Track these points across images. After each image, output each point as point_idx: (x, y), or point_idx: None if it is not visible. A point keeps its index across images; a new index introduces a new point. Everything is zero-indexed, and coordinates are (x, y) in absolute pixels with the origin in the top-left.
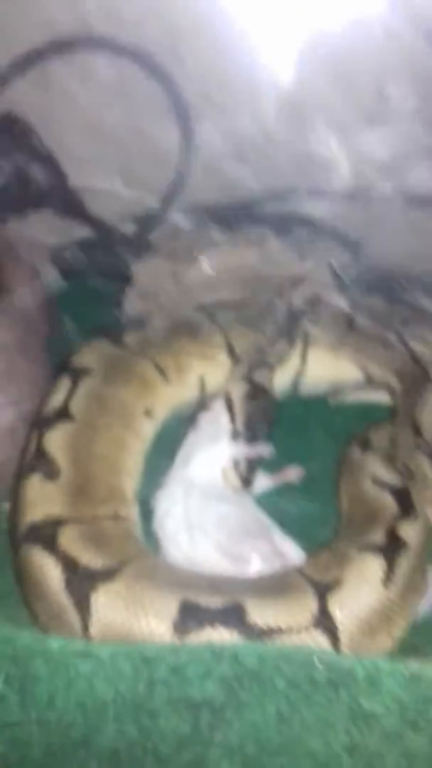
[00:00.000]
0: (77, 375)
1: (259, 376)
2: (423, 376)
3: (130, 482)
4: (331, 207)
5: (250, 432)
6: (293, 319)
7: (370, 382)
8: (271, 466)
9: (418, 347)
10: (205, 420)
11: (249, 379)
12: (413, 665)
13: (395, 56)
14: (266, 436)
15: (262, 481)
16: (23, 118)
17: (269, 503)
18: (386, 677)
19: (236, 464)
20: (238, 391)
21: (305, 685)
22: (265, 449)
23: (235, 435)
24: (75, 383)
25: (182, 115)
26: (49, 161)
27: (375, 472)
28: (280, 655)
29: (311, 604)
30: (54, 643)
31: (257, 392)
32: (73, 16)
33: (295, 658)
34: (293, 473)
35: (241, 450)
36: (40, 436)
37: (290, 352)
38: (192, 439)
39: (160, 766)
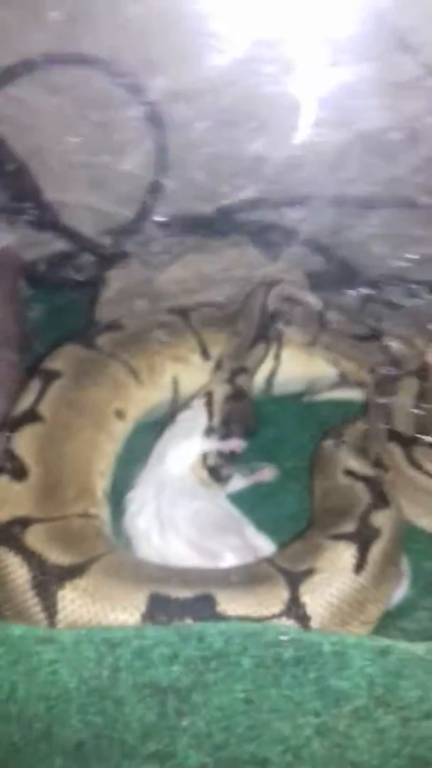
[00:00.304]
0: (48, 378)
1: (241, 381)
2: (396, 371)
3: (101, 482)
4: (303, 213)
5: (226, 429)
6: (268, 321)
7: (344, 379)
8: (246, 463)
9: (390, 342)
10: (183, 418)
11: (231, 383)
12: (382, 640)
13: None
14: (242, 436)
15: (237, 482)
16: None
17: (243, 501)
18: (354, 653)
19: (205, 457)
20: (220, 392)
21: (272, 664)
22: (236, 444)
23: (209, 431)
24: (45, 386)
25: (156, 126)
26: (23, 174)
27: (347, 464)
28: (246, 634)
29: (282, 593)
30: (16, 630)
31: (238, 396)
32: (43, 33)
33: (261, 638)
34: (268, 474)
35: (212, 444)
36: (9, 438)
37: (267, 355)
38: (167, 437)
39: (126, 757)
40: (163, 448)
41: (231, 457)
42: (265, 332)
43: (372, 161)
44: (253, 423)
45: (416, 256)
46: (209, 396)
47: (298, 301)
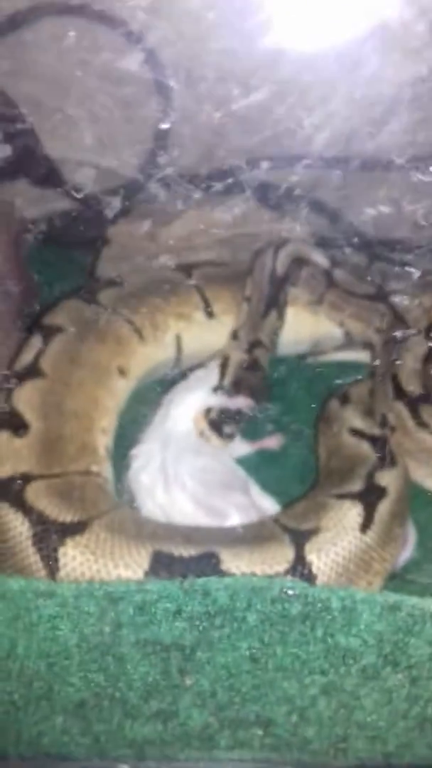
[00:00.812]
0: (49, 333)
1: (258, 354)
2: (403, 330)
3: (103, 439)
4: (310, 174)
5: (235, 389)
6: (279, 287)
7: (349, 339)
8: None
9: (398, 300)
10: (195, 376)
11: (249, 354)
12: (391, 596)
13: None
14: (251, 398)
15: (242, 447)
16: None
17: (246, 462)
18: (363, 608)
19: (208, 411)
20: (236, 358)
21: (279, 621)
22: (243, 402)
23: (217, 388)
24: (46, 341)
25: (161, 83)
26: (25, 129)
27: (353, 423)
28: (252, 589)
29: (287, 552)
30: (15, 583)
31: (254, 367)
32: None
33: (267, 593)
34: (274, 441)
35: (218, 399)
36: (10, 393)
37: (281, 323)
38: (174, 393)
39: (128, 716)
40: (169, 404)
41: (236, 416)
42: (277, 299)
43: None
44: (264, 396)
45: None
46: (225, 359)
47: (306, 260)
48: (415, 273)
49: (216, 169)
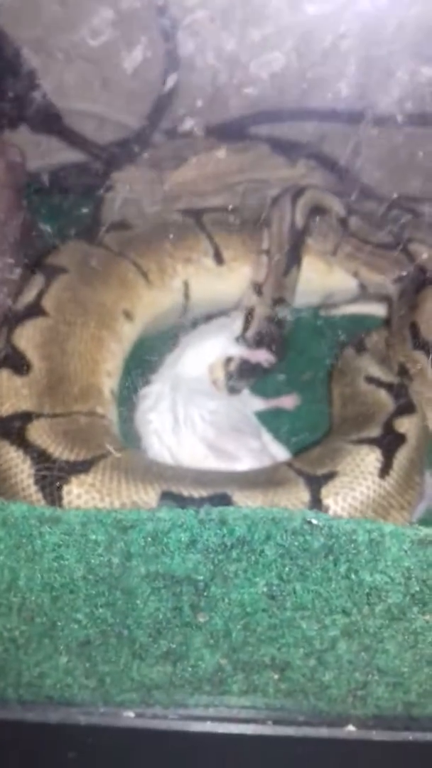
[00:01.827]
0: (52, 273)
1: (281, 312)
2: (421, 278)
3: (108, 382)
4: (319, 128)
5: (258, 341)
6: (300, 241)
7: (364, 292)
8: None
9: (415, 248)
10: (217, 322)
11: (273, 303)
12: (422, 529)
13: None
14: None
15: (257, 403)
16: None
17: (258, 413)
18: (391, 543)
19: (228, 360)
20: (261, 311)
21: (299, 555)
22: (264, 356)
23: (240, 338)
24: (49, 281)
25: (166, 32)
26: (27, 73)
27: (370, 371)
28: (272, 520)
29: (303, 495)
30: (17, 509)
31: (277, 323)
32: None
33: (288, 524)
34: (289, 401)
35: (239, 350)
36: (10, 332)
37: (299, 276)
38: (191, 336)
39: (136, 657)
40: (185, 346)
41: (254, 369)
42: (298, 254)
43: None
44: (283, 352)
45: None
46: (251, 311)
47: (323, 209)
48: None
49: (226, 119)
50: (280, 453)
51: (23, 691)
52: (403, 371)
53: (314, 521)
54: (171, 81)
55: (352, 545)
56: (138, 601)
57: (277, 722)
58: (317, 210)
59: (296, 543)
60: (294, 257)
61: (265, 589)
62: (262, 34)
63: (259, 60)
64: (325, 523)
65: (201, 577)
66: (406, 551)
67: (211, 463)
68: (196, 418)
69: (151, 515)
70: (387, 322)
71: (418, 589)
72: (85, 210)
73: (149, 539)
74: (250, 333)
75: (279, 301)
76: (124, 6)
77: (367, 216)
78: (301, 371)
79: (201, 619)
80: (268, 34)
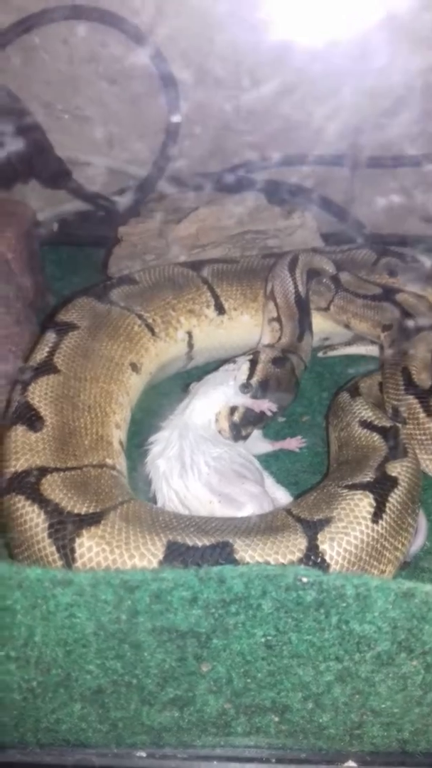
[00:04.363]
0: (62, 330)
1: (294, 359)
2: (411, 325)
3: (117, 433)
4: (317, 172)
5: (262, 390)
6: (306, 306)
7: (358, 335)
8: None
9: (404, 298)
10: (224, 369)
11: (283, 353)
12: (405, 583)
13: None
14: (276, 401)
15: (262, 446)
16: (8, 88)
17: (261, 457)
18: (377, 595)
19: (232, 410)
20: (267, 354)
21: (293, 608)
22: (267, 405)
23: (244, 387)
24: (60, 338)
25: (168, 83)
26: (36, 132)
27: (363, 415)
28: (267, 577)
29: (301, 541)
30: (32, 573)
31: (285, 363)
32: None
33: (281, 580)
34: (294, 443)
35: (244, 400)
36: (24, 389)
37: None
38: (201, 385)
39: (146, 703)
40: (194, 395)
41: (259, 418)
42: (309, 320)
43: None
44: (289, 402)
45: None
46: (256, 356)
47: (317, 270)
48: (426, 264)
49: (226, 165)
50: (282, 496)
51: (41, 736)
52: (396, 415)
53: (305, 579)
54: (173, 127)
55: (342, 599)
56: (145, 654)
57: (279, 760)
58: (312, 272)
59: (290, 598)
60: (306, 323)
61: (263, 640)
62: (260, 84)
63: (260, 110)
64: (315, 579)
65: (203, 631)
66: (391, 603)
67: (215, 506)
68: (202, 464)
69: (155, 576)
70: (382, 365)
71: (404, 637)
72: (94, 260)
73: (154, 598)
74: (255, 380)
75: (292, 351)
76: (127, 63)
77: (359, 263)
78: (301, 414)
79: (204, 669)
80: (266, 77)
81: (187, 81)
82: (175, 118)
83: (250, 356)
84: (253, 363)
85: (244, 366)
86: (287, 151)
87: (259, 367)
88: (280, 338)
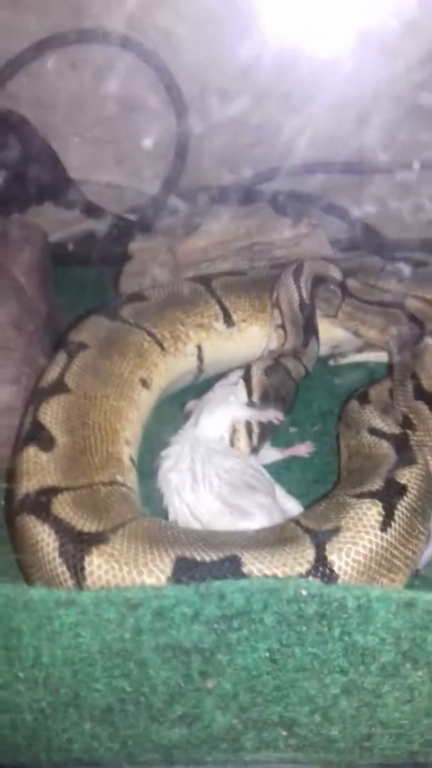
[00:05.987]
0: (74, 350)
1: (289, 363)
2: (420, 332)
3: (128, 450)
4: (326, 180)
5: (265, 403)
6: (311, 313)
7: (368, 343)
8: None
9: (413, 304)
10: (221, 385)
11: (276, 360)
12: (406, 593)
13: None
14: (281, 408)
15: (272, 454)
16: (21, 113)
17: (271, 465)
18: (378, 606)
19: (248, 427)
20: (258, 366)
21: (296, 621)
22: (275, 415)
23: (249, 402)
24: (71, 357)
25: (177, 102)
26: (49, 155)
27: (372, 423)
28: (267, 590)
29: (309, 552)
30: (36, 594)
31: (279, 369)
32: (69, 10)
33: (282, 594)
34: (303, 449)
35: (251, 413)
36: (36, 409)
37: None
38: (204, 404)
39: (154, 721)
40: (200, 413)
41: (270, 429)
42: (314, 326)
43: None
44: (291, 405)
45: None
46: (247, 371)
47: (323, 277)
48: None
49: (231, 179)
50: (293, 506)
51: (54, 755)
52: (406, 421)
53: (304, 592)
54: (182, 148)
55: (343, 610)
56: (151, 671)
57: None
58: (317, 280)
59: (292, 611)
60: (311, 330)
61: (266, 654)
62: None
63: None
64: (316, 591)
65: (207, 646)
66: (393, 614)
67: (226, 518)
68: (213, 477)
69: (156, 593)
70: (391, 371)
71: (408, 647)
72: (106, 278)
73: (156, 615)
74: (256, 398)
75: (291, 357)
76: (134, 82)
77: (369, 269)
78: (312, 423)
79: (210, 684)
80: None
81: (194, 96)
82: (183, 135)
83: (242, 374)
84: (247, 380)
85: (240, 386)
86: (292, 161)
87: (254, 382)
88: (284, 344)
